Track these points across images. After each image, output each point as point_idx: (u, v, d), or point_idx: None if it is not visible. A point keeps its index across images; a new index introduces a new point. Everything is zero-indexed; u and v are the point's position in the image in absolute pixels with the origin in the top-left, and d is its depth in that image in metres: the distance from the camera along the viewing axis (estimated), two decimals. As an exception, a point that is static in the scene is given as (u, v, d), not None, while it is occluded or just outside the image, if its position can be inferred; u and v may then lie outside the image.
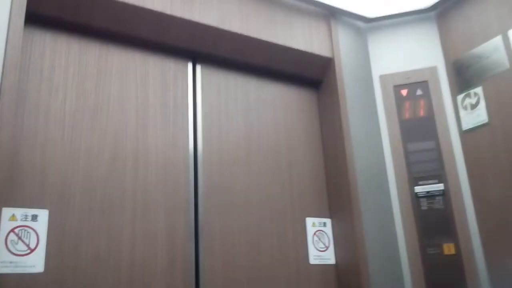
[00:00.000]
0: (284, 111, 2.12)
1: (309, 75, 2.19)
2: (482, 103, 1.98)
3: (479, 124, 1.98)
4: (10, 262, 1.37)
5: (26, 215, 1.42)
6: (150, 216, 1.64)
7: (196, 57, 1.96)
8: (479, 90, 2.00)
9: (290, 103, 2.15)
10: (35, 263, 1.40)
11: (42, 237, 1.43)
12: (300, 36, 2.06)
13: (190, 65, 1.93)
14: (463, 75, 2.08)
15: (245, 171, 1.91)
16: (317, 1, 2.10)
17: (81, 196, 1.54)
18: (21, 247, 1.39)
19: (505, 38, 1.93)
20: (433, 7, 2.22)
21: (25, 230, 1.41)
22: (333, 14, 2.19)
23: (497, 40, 1.96)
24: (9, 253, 1.37)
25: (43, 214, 1.45)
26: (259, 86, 2.08)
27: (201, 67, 1.96)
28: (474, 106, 2.01)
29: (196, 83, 1.92)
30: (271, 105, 2.09)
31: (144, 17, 1.74)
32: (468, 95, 2.05)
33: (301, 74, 2.18)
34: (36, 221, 1.43)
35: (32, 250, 1.41)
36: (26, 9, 1.49)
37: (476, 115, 2.00)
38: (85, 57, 1.70)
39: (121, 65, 1.77)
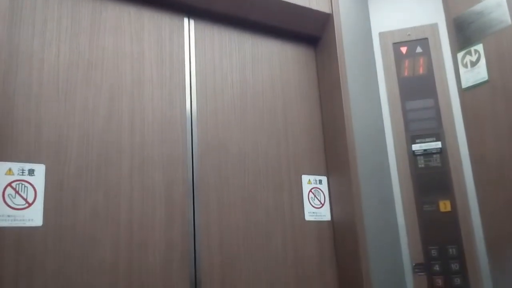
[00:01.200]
0: (281, 68, 2.09)
1: (307, 31, 2.16)
2: (483, 61, 1.96)
3: (479, 81, 1.96)
4: (8, 216, 1.38)
5: (23, 169, 1.42)
6: (148, 172, 1.65)
7: (190, 12, 1.92)
8: (479, 47, 1.98)
9: (286, 60, 2.12)
10: (33, 217, 1.41)
11: (40, 191, 1.44)
12: (298, -9, 2.02)
13: (186, 20, 1.90)
14: (464, 32, 2.05)
15: (240, 129, 1.90)
16: (316, -45, 2.05)
17: (77, 152, 1.54)
18: (19, 201, 1.40)
19: (508, -7, 1.89)
20: (435, -38, 2.17)
21: (22, 184, 1.42)
22: (332, -31, 2.14)
23: (499, -4, 1.92)
24: (7, 207, 1.38)
25: (39, 169, 1.45)
26: (254, 42, 2.05)
27: (195, 22, 1.92)
28: (474, 64, 1.99)
29: (190, 38, 1.89)
30: (267, 61, 2.06)
31: (137, -31, 1.70)
32: (469, 53, 2.02)
33: (298, 30, 2.14)
34: (33, 175, 1.44)
35: (30, 204, 1.42)
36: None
37: (476, 72, 1.98)
38: (78, 11, 1.67)
39: (115, 19, 1.74)
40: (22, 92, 1.49)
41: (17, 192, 1.40)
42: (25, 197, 1.41)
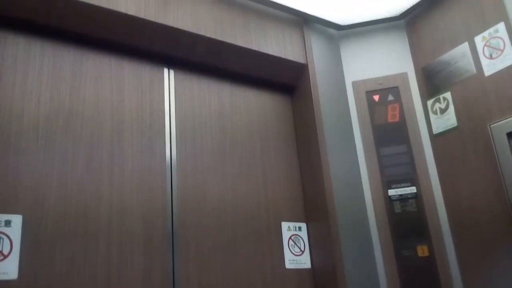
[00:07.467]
0: (258, 116, 2.13)
1: (283, 80, 2.22)
2: (451, 108, 2.04)
3: (449, 127, 2.04)
4: (-18, 269, 1.33)
5: (-1, 221, 1.39)
6: (127, 221, 1.62)
7: (169, 62, 1.96)
8: (448, 95, 2.06)
9: (264, 108, 2.16)
10: (8, 270, 1.36)
11: (16, 243, 1.40)
12: (274, 42, 2.09)
13: (166, 71, 1.93)
14: (432, 81, 2.14)
15: (219, 176, 1.91)
16: (290, 8, 2.13)
17: (55, 201, 1.51)
18: (-6, 253, 1.36)
19: (472, 45, 2.00)
20: (402, 15, 2.28)
21: (-2, 236, 1.38)
22: (306, 21, 2.23)
23: (464, 47, 2.03)
24: (-19, 260, 1.34)
25: (16, 220, 1.42)
26: (233, 91, 2.10)
27: (175, 72, 1.96)
28: (443, 111, 2.07)
29: (170, 88, 1.92)
30: (245, 110, 2.10)
31: (118, 21, 1.73)
32: (438, 100, 2.10)
33: (275, 79, 2.20)
34: (9, 226, 1.40)
35: (5, 257, 1.37)
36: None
37: (445, 119, 2.06)
38: (59, 61, 1.68)
39: (96, 69, 1.76)
40: (1, 142, 1.47)
41: (-8, 244, 1.36)
42: (0, 249, 1.37)
